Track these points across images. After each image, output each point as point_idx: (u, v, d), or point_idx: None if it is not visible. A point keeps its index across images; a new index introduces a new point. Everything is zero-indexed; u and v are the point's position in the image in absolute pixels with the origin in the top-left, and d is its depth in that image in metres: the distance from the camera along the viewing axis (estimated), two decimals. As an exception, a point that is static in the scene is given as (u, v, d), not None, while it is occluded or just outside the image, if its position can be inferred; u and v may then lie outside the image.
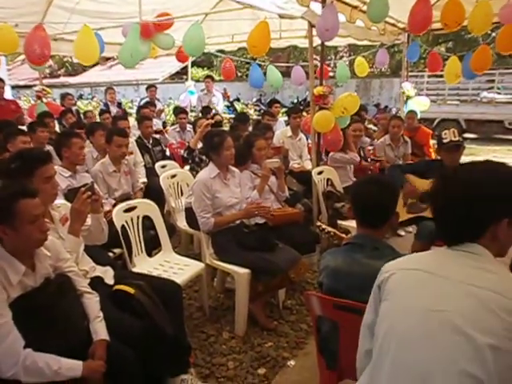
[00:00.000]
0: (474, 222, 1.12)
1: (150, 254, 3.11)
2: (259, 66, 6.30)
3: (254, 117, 10.89)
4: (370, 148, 5.32)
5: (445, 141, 3.13)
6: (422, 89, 12.38)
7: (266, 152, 3.57)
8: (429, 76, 12.64)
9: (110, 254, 2.97)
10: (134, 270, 2.78)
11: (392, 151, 5.03)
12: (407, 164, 3.84)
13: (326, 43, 4.18)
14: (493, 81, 12.48)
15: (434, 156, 6.14)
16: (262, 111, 13.15)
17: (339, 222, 3.89)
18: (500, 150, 10.83)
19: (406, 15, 4.88)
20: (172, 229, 3.53)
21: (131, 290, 2.12)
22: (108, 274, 2.30)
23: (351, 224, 3.85)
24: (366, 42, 6.45)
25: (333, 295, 1.71)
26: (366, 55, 7.24)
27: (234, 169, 3.22)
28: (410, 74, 12.72)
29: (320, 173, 4.17)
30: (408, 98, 6.53)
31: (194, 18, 4.12)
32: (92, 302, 1.90)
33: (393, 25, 5.54)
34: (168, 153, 5.66)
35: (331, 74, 6.96)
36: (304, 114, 5.55)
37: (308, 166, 5.06)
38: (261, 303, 2.97)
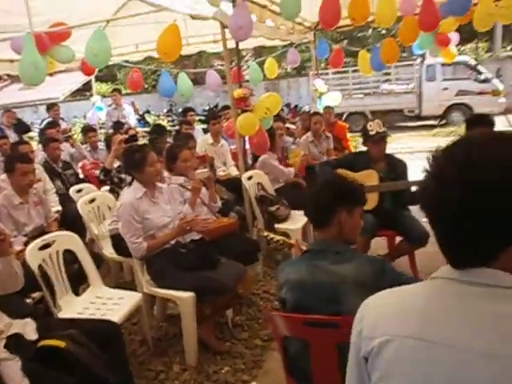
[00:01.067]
0: (490, 239, 0.73)
1: (77, 293, 2.73)
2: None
3: (168, 128, 10.54)
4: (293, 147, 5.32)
5: (371, 133, 3.15)
6: (328, 85, 12.89)
7: (191, 163, 3.36)
8: (333, 73, 13.20)
9: (29, 301, 2.55)
10: (61, 315, 2.40)
11: (316, 148, 5.06)
12: (335, 159, 3.85)
13: (236, 46, 4.06)
14: (389, 73, 13.39)
15: (352, 149, 6.35)
16: (175, 121, 12.82)
17: (276, 225, 3.79)
18: (403, 136, 11.57)
19: (313, 14, 4.96)
20: (99, 259, 3.15)
21: (60, 344, 1.78)
22: (29, 328, 1.92)
23: (289, 226, 3.77)
24: (272, 43, 6.49)
25: (300, 311, 1.55)
26: (273, 57, 7.30)
27: (160, 185, 2.96)
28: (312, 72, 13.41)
29: (250, 178, 4.04)
30: (321, 94, 6.66)
31: (94, 26, 3.76)
32: (12, 371, 1.55)
33: (300, 24, 5.60)
34: (82, 175, 5.18)
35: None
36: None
37: (234, 172, 4.92)
38: (209, 326, 2.74)
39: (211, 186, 3.39)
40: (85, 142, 6.04)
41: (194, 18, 3.43)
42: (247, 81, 5.90)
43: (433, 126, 12.71)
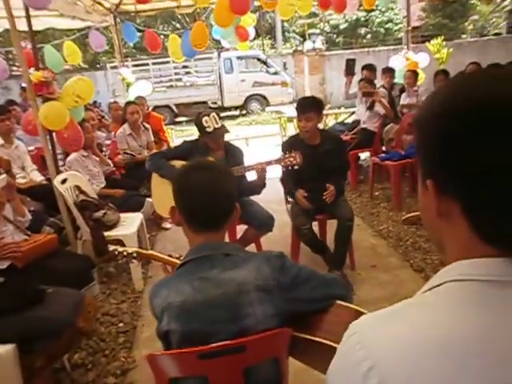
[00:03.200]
0: None
1: None
2: None
3: None
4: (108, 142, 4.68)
5: (209, 130, 2.90)
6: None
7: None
8: (133, 65, 12.52)
9: None
10: None
11: (135, 141, 4.55)
12: (168, 149, 3.46)
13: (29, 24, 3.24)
14: (188, 66, 13.47)
15: (170, 140, 6.02)
16: None
17: (106, 233, 3.20)
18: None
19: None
20: None
21: None
22: None
23: (121, 232, 3.25)
24: (65, 26, 5.58)
25: (191, 342, 1.17)
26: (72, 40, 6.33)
27: None
28: (111, 65, 12.42)
29: (64, 181, 3.31)
30: (129, 84, 6.10)
31: None
32: None
33: (99, 3, 4.91)
34: None
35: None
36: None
37: (37, 177, 4.04)
38: (43, 380, 2.07)
39: (14, 196, 2.64)
40: None
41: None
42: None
43: (236, 116, 13.39)
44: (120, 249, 1.75)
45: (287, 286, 1.24)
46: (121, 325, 2.79)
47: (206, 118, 2.94)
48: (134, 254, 1.74)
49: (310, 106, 3.00)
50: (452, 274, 0.55)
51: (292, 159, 2.81)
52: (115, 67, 10.63)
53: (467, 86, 0.55)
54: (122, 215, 3.45)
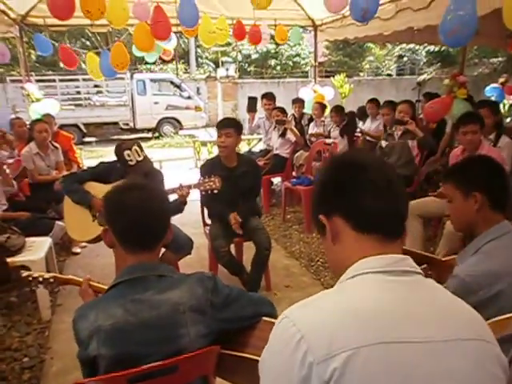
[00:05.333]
0: None
1: None
2: None
3: None
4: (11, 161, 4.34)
5: (131, 163, 2.84)
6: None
7: None
8: (37, 81, 11.74)
9: None
10: None
11: (43, 161, 4.29)
12: (85, 170, 3.30)
13: None
14: (100, 86, 13.03)
15: (80, 161, 5.74)
16: None
17: (10, 259, 2.94)
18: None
19: (21, 3, 4.18)
20: None
21: None
22: None
23: (28, 258, 3.02)
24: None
25: (122, 365, 1.16)
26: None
27: None
28: (11, 78, 11.50)
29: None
30: (37, 100, 5.75)
31: None
32: None
33: (3, 12, 4.61)
34: None
35: None
36: None
37: None
38: None
39: None
40: None
41: None
42: None
43: (149, 138, 13.15)
44: (35, 274, 1.65)
45: (220, 305, 1.29)
46: (26, 360, 2.57)
47: (127, 151, 2.84)
48: (51, 280, 1.66)
49: (229, 123, 3.13)
50: (359, 269, 0.80)
51: (212, 183, 2.86)
52: (17, 81, 9.91)
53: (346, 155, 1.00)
54: (29, 240, 3.21)
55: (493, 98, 7.19)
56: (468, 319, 0.78)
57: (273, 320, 1.39)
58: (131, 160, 2.85)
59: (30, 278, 1.67)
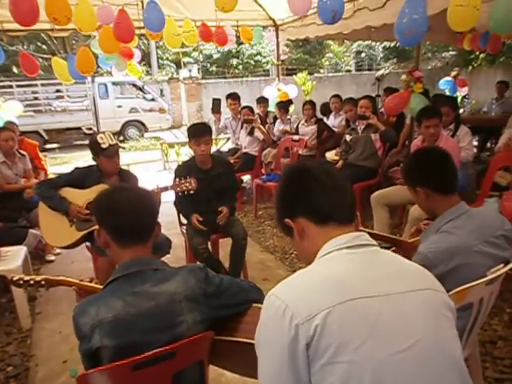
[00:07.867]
0: None
1: None
2: None
3: None
4: None
5: (104, 146, 2.89)
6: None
7: None
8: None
9: None
10: None
11: (10, 169, 4.21)
12: (58, 177, 3.29)
13: None
14: (60, 90, 12.72)
15: (46, 168, 5.64)
16: None
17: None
18: (84, 155, 11.21)
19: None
20: None
21: None
22: None
23: (4, 267, 3.00)
24: None
25: (126, 355, 1.24)
26: None
27: None
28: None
29: None
30: (-4, 108, 5.62)
31: None
32: None
33: None
34: None
35: None
36: None
37: None
38: None
39: None
40: None
41: None
42: None
43: (114, 143, 12.92)
44: (26, 277, 1.70)
45: (212, 294, 1.40)
46: (10, 369, 2.57)
47: (100, 135, 2.97)
48: (43, 282, 1.70)
49: (206, 130, 3.23)
50: (325, 250, 1.00)
51: (188, 184, 2.93)
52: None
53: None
54: (3, 249, 3.18)
55: (446, 91, 7.59)
56: (419, 275, 0.98)
57: (260, 306, 1.51)
58: (104, 143, 2.92)
59: (21, 282, 1.71)
